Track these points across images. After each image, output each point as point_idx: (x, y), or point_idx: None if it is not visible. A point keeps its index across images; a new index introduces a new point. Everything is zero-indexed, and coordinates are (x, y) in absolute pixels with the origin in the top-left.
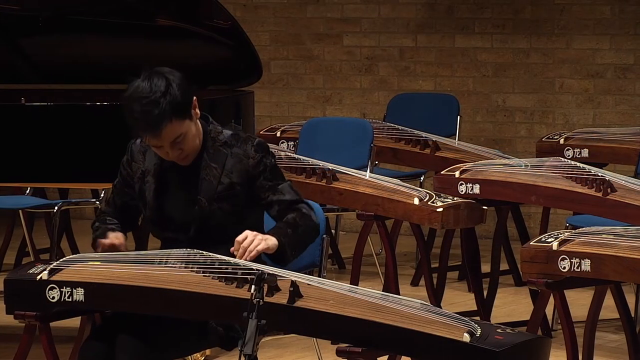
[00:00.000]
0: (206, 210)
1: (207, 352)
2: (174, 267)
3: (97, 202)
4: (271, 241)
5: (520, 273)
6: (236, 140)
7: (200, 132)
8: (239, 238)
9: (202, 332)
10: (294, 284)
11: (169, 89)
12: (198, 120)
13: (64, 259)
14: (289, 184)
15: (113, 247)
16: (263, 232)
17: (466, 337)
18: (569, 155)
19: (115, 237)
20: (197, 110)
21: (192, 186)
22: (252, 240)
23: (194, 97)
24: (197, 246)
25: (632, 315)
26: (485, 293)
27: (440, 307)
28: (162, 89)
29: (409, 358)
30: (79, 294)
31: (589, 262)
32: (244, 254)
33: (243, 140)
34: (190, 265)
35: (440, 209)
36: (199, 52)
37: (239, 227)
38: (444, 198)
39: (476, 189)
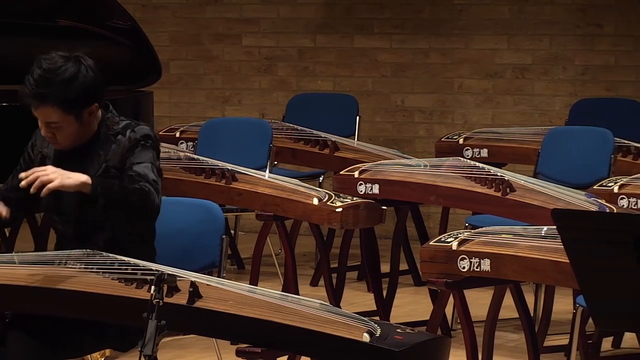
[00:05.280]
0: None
1: (107, 352)
2: (74, 267)
3: None
4: (71, 181)
5: (420, 273)
6: (126, 128)
7: (87, 132)
8: (38, 168)
9: (100, 332)
10: (193, 284)
11: (71, 80)
12: (92, 118)
13: None
14: (150, 165)
15: None
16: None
17: (366, 337)
18: (468, 155)
19: None
20: (92, 117)
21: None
22: (48, 174)
23: (95, 104)
24: (81, 232)
25: (531, 315)
26: (384, 293)
27: (340, 307)
28: (66, 75)
29: (309, 358)
30: None
31: (489, 261)
32: (33, 182)
33: (131, 127)
34: (90, 266)
35: (340, 209)
36: (99, 52)
37: (119, 212)
38: (343, 198)
39: (375, 189)
